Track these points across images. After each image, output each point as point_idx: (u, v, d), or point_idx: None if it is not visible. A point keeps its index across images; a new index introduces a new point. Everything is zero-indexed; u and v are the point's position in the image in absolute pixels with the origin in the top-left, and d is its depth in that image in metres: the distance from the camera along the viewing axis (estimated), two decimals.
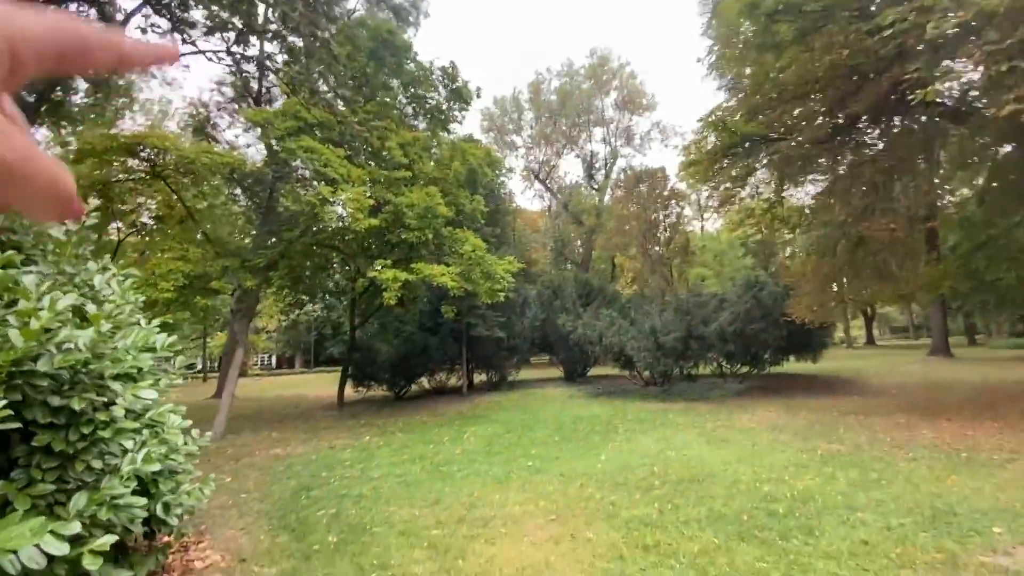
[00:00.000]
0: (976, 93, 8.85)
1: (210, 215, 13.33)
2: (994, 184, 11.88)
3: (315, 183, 10.25)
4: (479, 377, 19.44)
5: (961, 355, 25.33)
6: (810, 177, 11.17)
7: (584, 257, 37.22)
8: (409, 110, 14.00)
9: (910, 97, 5.85)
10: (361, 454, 8.35)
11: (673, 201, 24.35)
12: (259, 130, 10.89)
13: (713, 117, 10.52)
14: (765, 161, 11.18)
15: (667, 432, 8.81)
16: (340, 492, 5.96)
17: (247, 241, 13.04)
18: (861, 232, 9.19)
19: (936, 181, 12.97)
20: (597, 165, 38.19)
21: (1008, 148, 11.59)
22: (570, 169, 77.92)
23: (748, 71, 9.64)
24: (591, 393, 15.48)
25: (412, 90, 13.32)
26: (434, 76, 13.12)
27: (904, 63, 6.17)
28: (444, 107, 13.84)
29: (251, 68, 14.09)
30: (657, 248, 22.23)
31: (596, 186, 37.51)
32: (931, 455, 5.93)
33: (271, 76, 14.02)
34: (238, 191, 12.69)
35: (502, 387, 18.08)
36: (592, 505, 4.86)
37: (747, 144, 10.70)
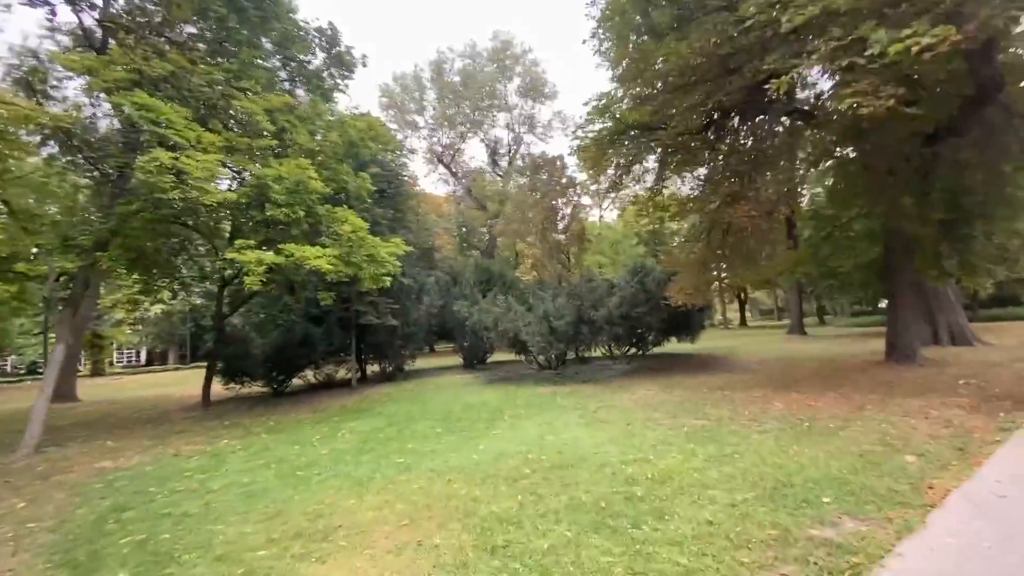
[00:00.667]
0: (826, 96, 9.77)
1: (23, 183, 10.91)
2: (838, 181, 13.43)
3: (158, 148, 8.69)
4: (373, 368, 18.44)
5: (813, 333, 28.95)
6: (690, 167, 11.70)
7: (489, 244, 37.06)
8: (283, 74, 12.53)
9: (766, 87, 6.13)
10: (210, 461, 7.28)
11: (572, 189, 24.87)
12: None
13: (599, 104, 10.55)
14: (650, 150, 11.50)
15: (551, 416, 8.76)
16: (162, 512, 5.01)
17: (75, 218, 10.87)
18: (730, 219, 9.76)
19: (798, 177, 14.40)
20: (501, 151, 38.11)
21: (849, 149, 13.08)
22: (476, 154, 77.42)
23: (627, 59, 9.76)
24: (487, 380, 15.27)
25: (286, 51, 11.90)
26: (310, 37, 11.82)
27: (764, 56, 6.46)
28: (324, 73, 12.58)
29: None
30: (556, 235, 22.62)
31: (500, 172, 37.43)
32: (779, 427, 6.34)
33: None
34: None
35: (397, 378, 17.29)
36: (453, 504, 4.48)
37: (631, 132, 10.90)
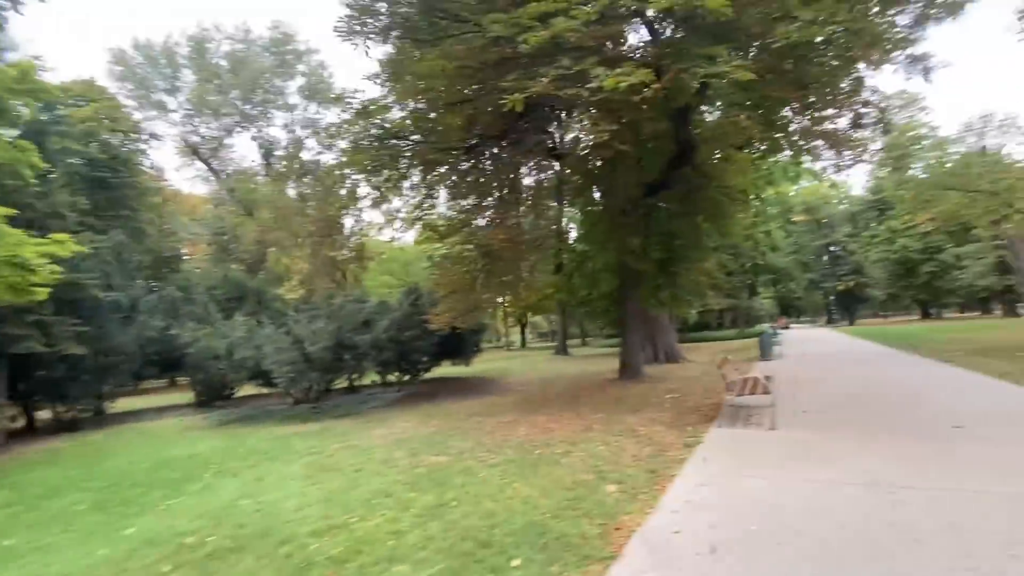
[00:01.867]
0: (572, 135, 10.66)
1: None
2: (585, 220, 15.18)
3: None
4: (54, 413, 13.36)
5: (575, 354, 32.74)
6: (455, 189, 11.51)
7: (257, 255, 32.16)
8: None
9: (501, 101, 6.03)
10: None
11: (355, 203, 23.11)
12: None
13: (361, 106, 9.53)
14: (411, 163, 10.91)
15: (269, 468, 7.07)
16: None
17: None
18: (489, 245, 9.70)
19: (554, 211, 15.75)
20: (278, 153, 33.88)
21: (595, 192, 14.80)
22: (248, 153, 67.95)
23: (385, 59, 9.08)
24: (219, 422, 12.33)
25: None
26: None
27: (506, 75, 6.40)
28: None
29: None
30: (332, 252, 20.55)
31: (274, 176, 33.15)
32: (512, 457, 6.03)
33: None
34: None
35: (83, 426, 12.80)
36: None
37: (393, 141, 10.15)
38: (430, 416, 10.37)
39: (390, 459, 6.75)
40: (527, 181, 12.89)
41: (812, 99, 12.97)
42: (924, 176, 17.74)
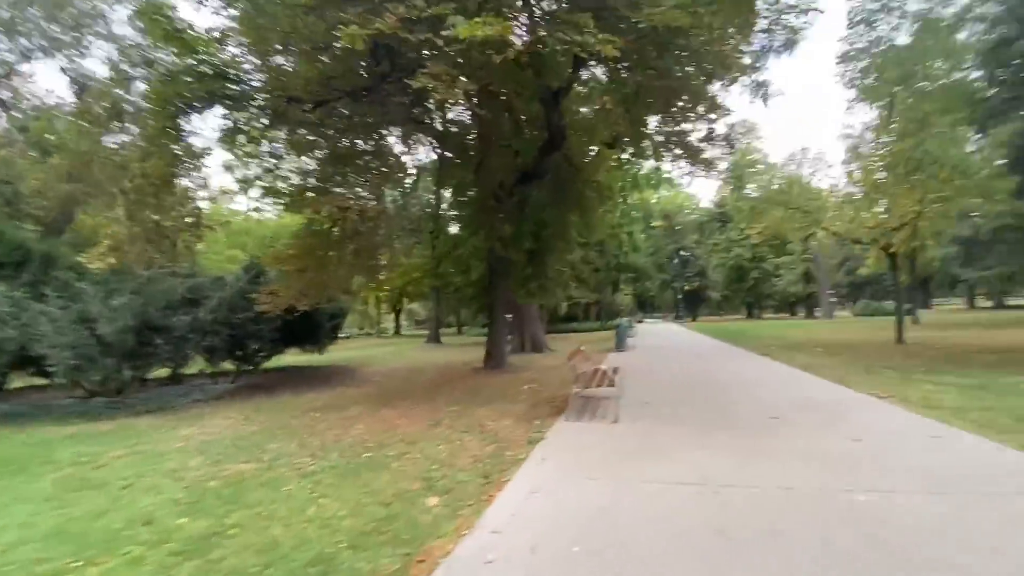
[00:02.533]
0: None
1: None
2: (457, 203, 14.58)
3: None
4: None
5: (448, 342, 32.13)
6: (299, 150, 10.00)
7: (62, 213, 25.98)
8: None
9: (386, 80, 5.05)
10: None
11: (195, 161, 19.57)
12: None
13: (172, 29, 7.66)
14: (260, 116, 9.23)
15: (4, 486, 5.27)
16: None
17: None
18: (345, 217, 8.53)
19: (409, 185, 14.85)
20: (97, 91, 27.62)
21: (470, 176, 14.16)
22: (57, 87, 55.00)
23: None
24: None
25: None
26: None
27: (346, 7, 5.40)
28: None
29: None
30: (156, 216, 17.11)
31: (90, 119, 26.98)
32: (336, 463, 5.15)
33: None
34: None
35: None
36: None
37: (231, 85, 8.42)
38: (258, 412, 8.92)
39: (180, 469, 5.41)
40: (406, 159, 11.85)
41: (674, 109, 13.87)
42: (756, 194, 20.26)
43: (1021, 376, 8.49)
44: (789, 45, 16.13)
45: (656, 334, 29.96)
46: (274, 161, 10.29)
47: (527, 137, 11.45)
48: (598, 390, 6.45)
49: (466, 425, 6.45)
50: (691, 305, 62.98)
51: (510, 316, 16.85)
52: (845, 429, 5.10)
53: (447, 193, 17.71)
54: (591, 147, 11.00)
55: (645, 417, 6.09)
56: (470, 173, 12.63)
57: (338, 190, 9.13)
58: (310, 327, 14.31)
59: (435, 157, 13.92)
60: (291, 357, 18.05)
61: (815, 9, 9.62)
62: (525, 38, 5.42)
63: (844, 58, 17.04)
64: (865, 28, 16.57)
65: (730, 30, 9.91)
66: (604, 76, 12.64)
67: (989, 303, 47.46)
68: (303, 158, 10.47)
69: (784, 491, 3.45)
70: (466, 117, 13.17)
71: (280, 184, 10.97)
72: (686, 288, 59.65)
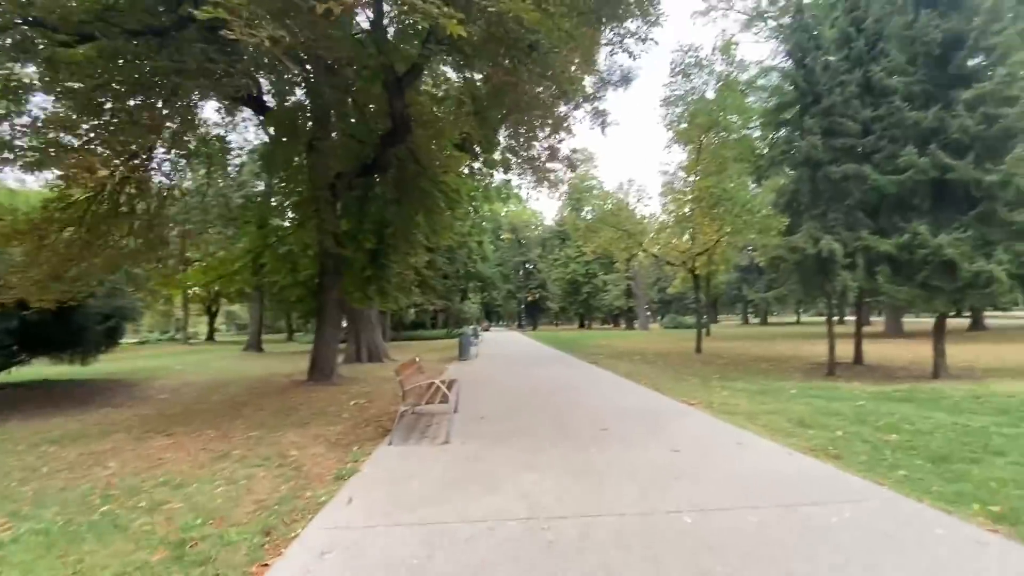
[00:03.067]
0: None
1: None
2: (280, 189, 12.72)
3: None
4: None
5: (272, 350, 28.40)
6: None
7: None
8: None
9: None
10: None
11: None
12: None
13: None
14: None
15: None
16: None
17: None
18: (101, 182, 6.46)
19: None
20: None
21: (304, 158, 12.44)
22: None
23: None
24: None
25: None
26: None
27: None
28: None
29: None
30: None
31: None
32: (54, 520, 3.59)
33: None
34: None
35: None
36: None
37: None
38: None
39: None
40: (231, 139, 9.74)
41: (522, 124, 14.13)
42: (591, 216, 22.03)
43: (788, 381, 10.22)
44: (625, 80, 17.87)
45: (500, 342, 30.56)
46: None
47: (371, 127, 10.41)
48: (430, 407, 5.80)
49: (264, 456, 5.21)
50: (532, 314, 66.61)
51: (345, 323, 15.30)
52: (665, 438, 5.25)
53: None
54: (440, 148, 10.44)
55: (478, 435, 5.61)
56: (302, 158, 11.03)
57: (103, 151, 6.91)
58: (69, 330, 11.08)
59: (272, 140, 11.93)
60: (42, 368, 13.98)
61: (651, 40, 10.46)
62: None
63: (665, 102, 19.46)
64: (682, 79, 19.13)
65: (575, 59, 10.38)
66: (454, 75, 12.30)
67: (757, 319, 59.43)
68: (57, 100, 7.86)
69: (616, 519, 3.19)
70: (303, 97, 11.59)
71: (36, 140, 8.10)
72: (528, 299, 62.88)
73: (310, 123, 10.97)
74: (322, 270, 12.14)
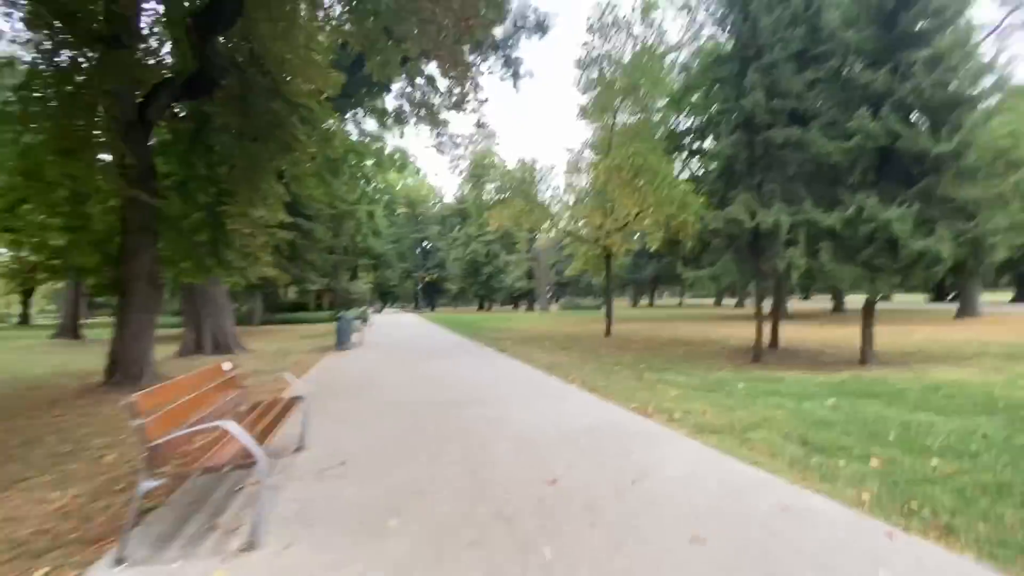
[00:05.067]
0: None
1: None
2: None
3: None
4: None
5: (97, 335, 22.38)
6: None
7: None
8: None
9: None
10: None
11: None
12: None
13: None
14: None
15: None
16: None
17: None
18: None
19: None
20: None
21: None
22: None
23: None
24: None
25: None
26: None
27: None
28: None
29: None
30: None
31: None
32: None
33: None
34: None
35: None
36: None
37: None
38: None
39: None
40: None
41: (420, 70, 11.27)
42: (496, 190, 19.78)
43: (719, 371, 8.92)
44: (539, 28, 15.65)
45: (393, 325, 27.40)
46: None
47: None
48: (235, 460, 3.07)
49: None
50: (430, 296, 63.26)
51: (168, 303, 11.39)
52: (666, 508, 3.12)
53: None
54: (298, 53, 7.25)
55: (326, 517, 3.01)
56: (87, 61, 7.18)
57: None
58: None
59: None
60: None
61: None
62: None
63: (581, 63, 17.65)
64: (600, 40, 17.41)
65: None
66: None
67: (646, 301, 62.35)
68: None
69: None
70: None
71: None
72: (426, 279, 59.42)
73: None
74: (124, 228, 8.40)
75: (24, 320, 44.66)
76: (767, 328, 12.80)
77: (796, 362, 10.30)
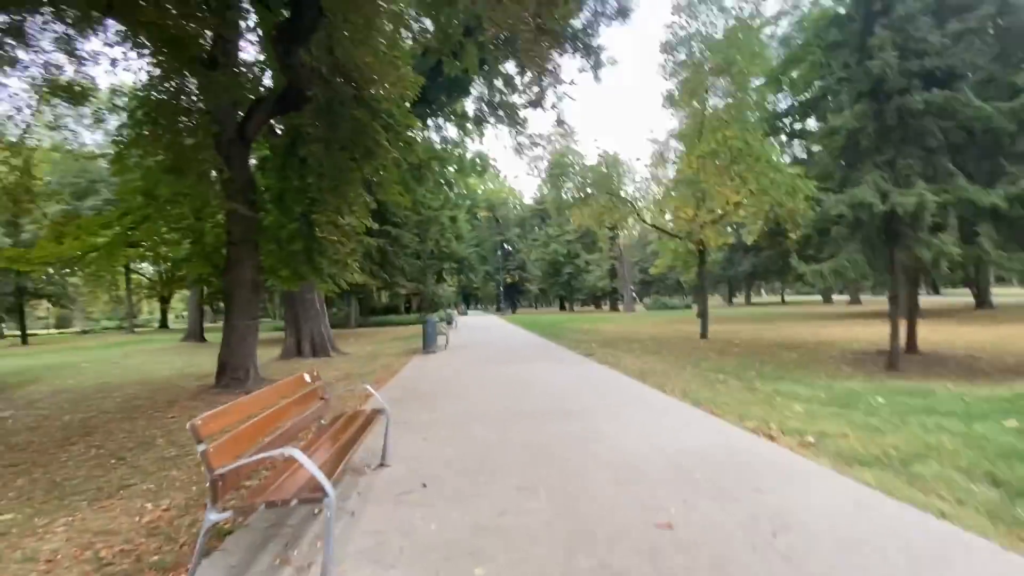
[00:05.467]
0: None
1: None
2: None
3: None
4: None
5: (215, 340, 24.97)
6: None
7: None
8: None
9: None
10: None
11: None
12: None
13: None
14: None
15: None
16: None
17: None
18: None
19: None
20: None
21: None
22: None
23: None
24: None
25: None
26: None
27: None
28: None
29: None
30: None
31: None
32: None
33: None
34: None
35: None
36: None
37: None
38: None
39: None
40: None
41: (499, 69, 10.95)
42: (575, 189, 19.10)
43: (847, 380, 7.62)
44: (622, 13, 14.79)
45: (477, 327, 27.68)
46: None
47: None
48: (303, 494, 2.83)
49: None
50: (511, 297, 63.66)
51: (261, 309, 12.10)
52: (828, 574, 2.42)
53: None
54: (380, 57, 7.23)
55: (399, 563, 2.63)
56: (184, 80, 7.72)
57: None
58: None
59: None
60: None
61: None
62: None
63: (666, 47, 16.48)
64: (687, 19, 16.15)
65: None
66: None
67: (741, 299, 57.90)
68: None
69: None
70: None
71: None
72: (508, 281, 59.86)
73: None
74: (228, 239, 8.97)
75: (163, 324, 51.35)
76: (902, 328, 10.96)
77: (944, 371, 8.62)
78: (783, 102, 23.44)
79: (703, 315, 15.99)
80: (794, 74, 21.64)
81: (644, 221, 17.20)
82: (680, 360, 10.65)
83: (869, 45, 8.51)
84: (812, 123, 22.24)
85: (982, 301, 25.57)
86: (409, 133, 8.51)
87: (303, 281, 10.73)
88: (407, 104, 9.48)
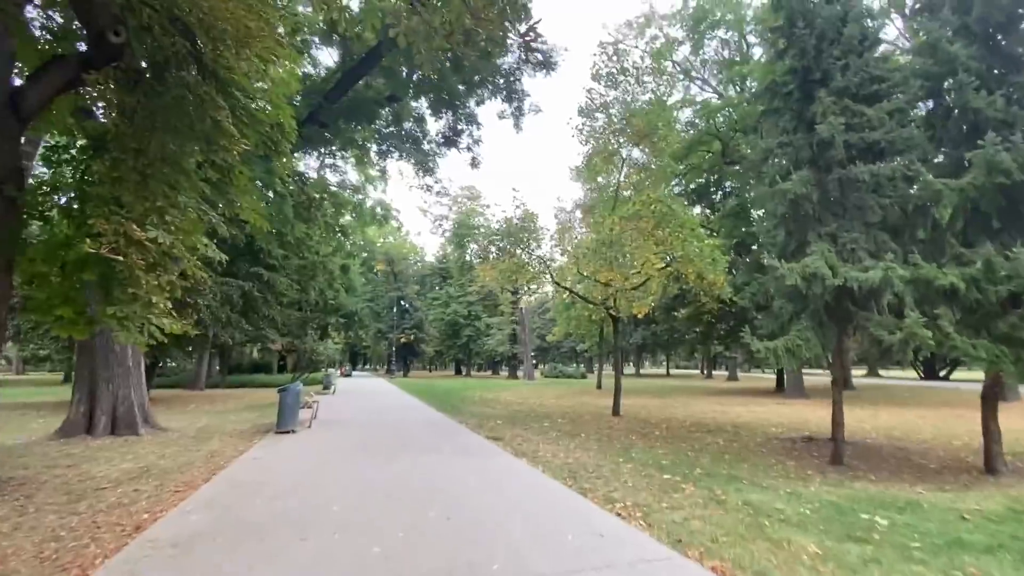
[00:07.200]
0: None
1: None
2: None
3: None
4: None
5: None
6: None
7: None
8: None
9: None
10: None
11: None
12: None
13: None
14: None
15: None
16: None
17: None
18: None
19: None
20: None
21: None
22: None
23: None
24: None
25: None
26: None
27: None
28: None
29: None
30: None
31: None
32: None
33: None
34: None
35: None
36: None
37: None
38: None
39: None
40: None
41: None
42: (491, 239, 17.53)
43: (799, 481, 6.18)
44: (546, 65, 14.09)
45: (361, 394, 23.97)
46: None
47: None
48: None
49: None
50: (404, 358, 59.23)
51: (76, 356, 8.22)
52: None
53: None
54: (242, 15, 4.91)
55: None
56: None
57: None
58: None
59: None
60: None
61: None
62: None
63: (585, 111, 16.15)
64: (605, 86, 16.06)
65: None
66: None
67: (631, 370, 59.69)
68: None
69: None
70: None
71: None
72: (401, 340, 55.74)
73: None
74: None
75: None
76: (820, 412, 10.32)
77: (889, 466, 7.80)
78: (682, 183, 24.63)
79: (616, 392, 14.63)
80: (692, 159, 23.01)
81: (558, 283, 15.87)
82: (604, 448, 8.78)
83: (812, 110, 8.10)
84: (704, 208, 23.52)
85: (846, 381, 27.87)
86: (269, 128, 6.05)
87: (93, 327, 7.30)
88: (286, 100, 7.12)
